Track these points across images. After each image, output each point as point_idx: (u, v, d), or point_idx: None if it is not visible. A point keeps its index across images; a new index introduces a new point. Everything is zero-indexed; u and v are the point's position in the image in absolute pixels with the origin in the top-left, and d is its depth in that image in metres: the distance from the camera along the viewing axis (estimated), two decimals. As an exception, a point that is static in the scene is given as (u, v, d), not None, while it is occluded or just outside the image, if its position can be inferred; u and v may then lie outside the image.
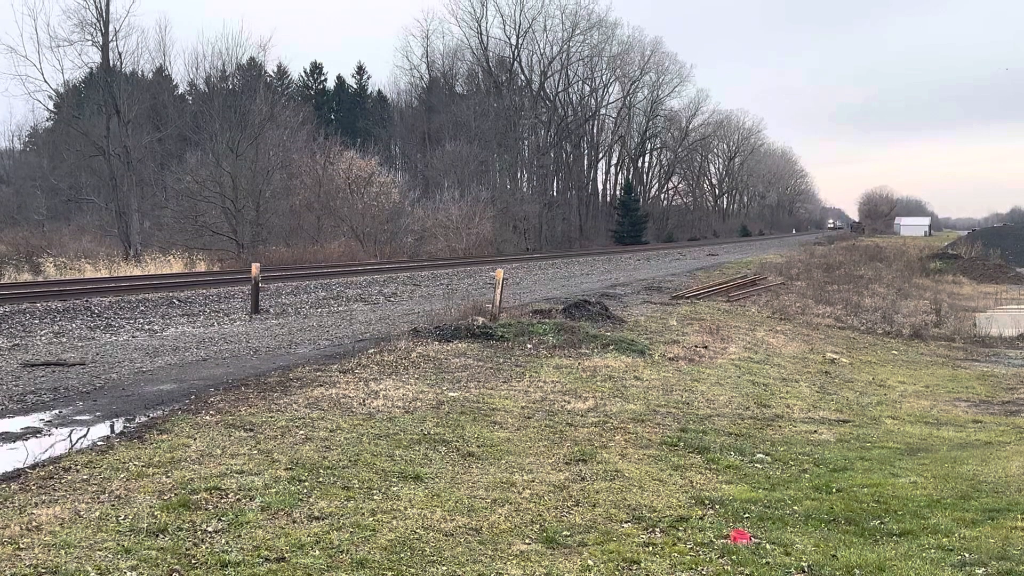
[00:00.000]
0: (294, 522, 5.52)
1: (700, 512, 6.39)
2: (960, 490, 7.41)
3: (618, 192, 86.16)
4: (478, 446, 7.73)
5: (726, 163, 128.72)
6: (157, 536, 5.14)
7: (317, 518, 5.63)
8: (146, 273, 27.41)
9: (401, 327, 15.16)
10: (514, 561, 5.20)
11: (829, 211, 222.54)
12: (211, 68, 47.78)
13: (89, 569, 4.64)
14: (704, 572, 5.24)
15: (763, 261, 45.17)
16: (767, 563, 5.43)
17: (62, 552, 4.83)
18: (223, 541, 5.14)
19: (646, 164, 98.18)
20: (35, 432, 7.64)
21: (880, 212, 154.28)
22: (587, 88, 79.36)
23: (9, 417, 8.17)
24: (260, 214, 39.57)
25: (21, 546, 4.89)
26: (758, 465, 8.03)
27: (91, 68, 40.56)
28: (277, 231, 41.59)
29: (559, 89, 75.97)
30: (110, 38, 37.37)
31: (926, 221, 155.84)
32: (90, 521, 5.33)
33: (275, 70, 66.82)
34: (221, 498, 5.87)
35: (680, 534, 5.86)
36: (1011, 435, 10.55)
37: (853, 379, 15.00)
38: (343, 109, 78.42)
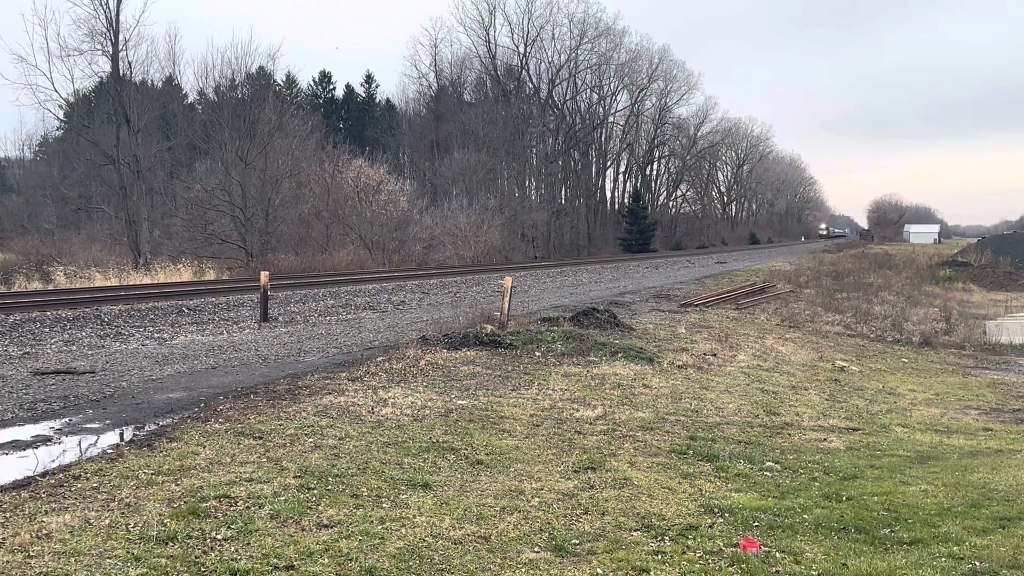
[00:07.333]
0: (303, 530, 5.53)
1: (709, 520, 6.37)
2: (971, 498, 7.36)
3: (626, 200, 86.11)
4: (487, 454, 7.73)
5: (734, 170, 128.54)
6: (166, 544, 5.15)
7: (326, 526, 5.63)
8: (156, 281, 27.51)
9: (410, 335, 15.18)
10: (523, 569, 5.20)
11: (837, 219, 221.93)
12: (220, 77, 47.90)
13: (99, 577, 4.65)
14: (713, 581, 5.22)
15: (772, 269, 45.07)
16: (777, 572, 5.41)
17: (72, 560, 4.84)
18: (232, 549, 5.15)
19: (654, 172, 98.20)
20: (45, 440, 7.67)
21: (889, 220, 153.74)
22: (595, 96, 79.48)
23: (20, 425, 8.21)
24: (269, 222, 39.71)
25: (31, 554, 4.91)
26: (768, 473, 8.00)
27: (101, 77, 40.69)
28: (286, 239, 41.71)
29: (567, 97, 76.10)
30: (120, 47, 37.46)
31: (935, 228, 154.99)
32: (100, 529, 5.34)
33: (284, 79, 67.08)
34: (230, 506, 5.88)
35: (689, 542, 5.84)
36: (1022, 443, 10.49)
37: (863, 387, 14.94)
38: (352, 118, 78.77)
